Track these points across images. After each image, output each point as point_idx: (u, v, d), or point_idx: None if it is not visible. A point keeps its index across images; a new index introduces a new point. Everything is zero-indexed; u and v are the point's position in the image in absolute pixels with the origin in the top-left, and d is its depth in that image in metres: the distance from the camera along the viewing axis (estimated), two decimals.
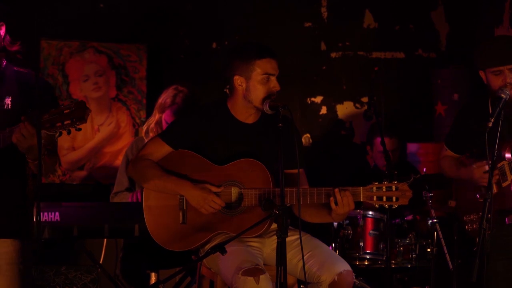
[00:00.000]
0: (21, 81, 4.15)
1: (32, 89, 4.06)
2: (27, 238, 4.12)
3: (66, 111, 3.79)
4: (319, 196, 4.40)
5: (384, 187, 4.37)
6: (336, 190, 4.33)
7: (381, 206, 4.42)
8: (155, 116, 5.81)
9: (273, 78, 4.50)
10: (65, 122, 3.79)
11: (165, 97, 5.81)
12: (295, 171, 4.43)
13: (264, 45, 4.57)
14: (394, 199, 4.37)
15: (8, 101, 4.11)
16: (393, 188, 4.37)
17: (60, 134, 3.85)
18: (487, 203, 4.22)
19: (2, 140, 3.89)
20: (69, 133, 3.84)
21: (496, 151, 4.36)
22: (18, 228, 4.11)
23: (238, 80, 4.52)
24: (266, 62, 4.48)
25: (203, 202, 4.41)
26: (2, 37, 4.13)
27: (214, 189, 4.42)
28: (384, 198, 4.37)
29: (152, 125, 5.80)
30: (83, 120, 3.81)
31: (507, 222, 4.64)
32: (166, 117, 5.73)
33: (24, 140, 3.83)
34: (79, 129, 3.85)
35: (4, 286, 4.09)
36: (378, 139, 6.35)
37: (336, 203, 4.32)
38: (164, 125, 5.71)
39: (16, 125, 3.84)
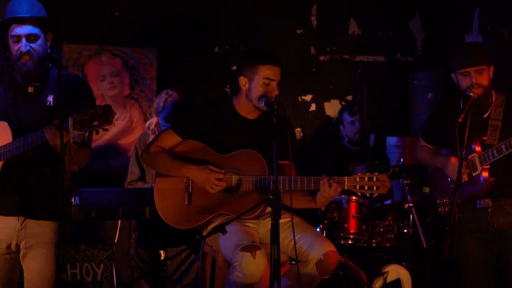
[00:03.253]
0: (62, 82, 4.18)
1: (71, 90, 4.12)
2: (64, 220, 4.15)
3: (94, 114, 3.82)
4: (309, 184, 4.41)
5: (366, 178, 4.38)
6: (326, 178, 4.36)
7: (363, 194, 4.43)
8: (154, 119, 5.82)
9: (273, 83, 4.51)
10: (94, 124, 3.82)
11: (157, 102, 5.84)
12: (285, 162, 4.47)
13: (271, 53, 4.57)
14: (374, 188, 4.37)
15: (50, 99, 4.18)
16: (374, 179, 4.37)
17: (90, 133, 3.88)
18: (458, 189, 4.24)
19: (40, 138, 3.94)
20: (97, 133, 3.88)
21: (465, 145, 4.37)
22: (56, 212, 4.13)
23: (243, 81, 4.54)
24: (268, 68, 4.50)
25: (207, 180, 4.43)
26: (50, 44, 4.21)
27: (216, 169, 4.45)
28: (366, 187, 4.38)
29: (153, 126, 5.81)
30: (109, 122, 3.84)
31: (478, 206, 4.65)
32: (161, 122, 5.74)
33: (53, 138, 3.88)
34: (106, 130, 3.88)
35: (41, 263, 4.18)
36: (345, 114, 6.38)
37: (325, 189, 4.35)
38: (162, 127, 5.70)
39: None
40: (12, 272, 4.20)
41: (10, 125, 4.06)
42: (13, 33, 4.12)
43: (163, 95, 5.83)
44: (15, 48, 4.12)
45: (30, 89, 4.17)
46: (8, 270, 4.19)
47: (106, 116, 3.82)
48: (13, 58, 4.13)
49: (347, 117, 6.44)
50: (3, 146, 4.03)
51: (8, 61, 4.15)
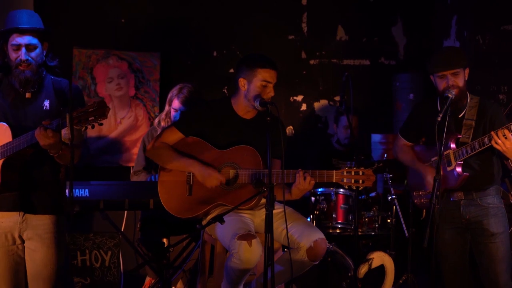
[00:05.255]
0: (56, 87, 4.22)
1: (65, 94, 4.13)
2: (61, 213, 4.16)
3: (90, 110, 3.82)
4: (293, 176, 4.42)
5: (353, 172, 4.38)
6: (301, 172, 4.38)
7: (350, 187, 4.44)
8: (165, 110, 5.84)
9: (270, 85, 4.51)
10: (90, 119, 3.82)
11: (173, 90, 5.84)
12: (275, 160, 4.48)
13: (269, 57, 4.58)
14: (360, 181, 4.38)
15: (46, 103, 4.17)
16: (360, 173, 4.38)
17: (86, 128, 3.88)
18: (437, 183, 4.26)
19: (32, 137, 3.93)
20: (93, 127, 3.87)
21: (444, 142, 4.39)
22: (55, 206, 4.16)
23: (242, 82, 4.54)
24: (266, 72, 4.50)
25: (208, 176, 4.44)
26: (45, 53, 4.21)
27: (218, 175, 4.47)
28: (353, 181, 4.38)
29: (163, 115, 5.83)
30: (104, 116, 3.83)
31: (451, 199, 4.67)
32: (174, 105, 5.75)
33: (42, 138, 3.88)
34: (101, 124, 3.88)
35: (43, 253, 4.15)
36: (343, 118, 6.37)
37: (300, 182, 4.37)
38: (172, 113, 5.73)
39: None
40: (18, 263, 4.17)
41: (9, 126, 4.06)
42: (14, 42, 4.12)
43: (178, 85, 5.84)
44: (14, 56, 4.12)
45: (27, 95, 4.16)
46: (15, 261, 4.16)
47: (100, 111, 3.82)
48: (12, 65, 4.12)
49: (343, 121, 6.43)
50: (4, 145, 4.02)
51: (6, 67, 4.15)
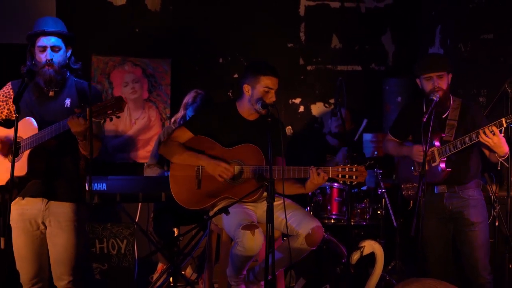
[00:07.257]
0: (78, 87, 4.24)
1: (86, 94, 4.14)
2: (81, 202, 4.18)
3: (108, 104, 3.84)
4: (299, 172, 4.43)
5: (347, 168, 4.39)
6: (314, 168, 4.38)
7: (344, 182, 4.46)
8: (181, 113, 5.86)
9: (271, 91, 4.52)
10: (108, 112, 3.84)
11: (188, 98, 5.86)
12: (277, 157, 4.49)
13: (271, 65, 4.58)
14: (354, 177, 4.37)
15: (68, 101, 4.19)
16: (354, 169, 4.38)
17: (104, 121, 3.90)
18: (423, 177, 4.28)
19: (61, 126, 3.96)
20: (111, 120, 3.89)
21: (429, 140, 4.41)
22: (75, 194, 4.18)
23: (246, 88, 4.54)
24: (268, 79, 4.50)
25: (218, 169, 4.45)
26: (69, 57, 4.24)
27: (226, 165, 4.47)
28: (347, 176, 4.38)
29: (179, 119, 5.85)
30: (121, 110, 3.85)
31: (435, 191, 4.70)
32: (189, 113, 5.77)
33: (74, 125, 3.90)
34: (119, 117, 3.90)
35: (63, 238, 4.16)
36: (337, 113, 6.39)
37: (314, 177, 4.37)
38: (187, 118, 5.75)
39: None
40: (42, 247, 4.20)
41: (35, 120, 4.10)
42: (40, 43, 4.15)
43: (192, 93, 5.87)
44: (41, 56, 4.15)
45: (51, 93, 4.19)
46: (39, 245, 4.19)
47: (118, 105, 3.84)
48: (39, 65, 4.15)
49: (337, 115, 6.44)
50: (31, 136, 4.04)
51: (34, 68, 4.17)
